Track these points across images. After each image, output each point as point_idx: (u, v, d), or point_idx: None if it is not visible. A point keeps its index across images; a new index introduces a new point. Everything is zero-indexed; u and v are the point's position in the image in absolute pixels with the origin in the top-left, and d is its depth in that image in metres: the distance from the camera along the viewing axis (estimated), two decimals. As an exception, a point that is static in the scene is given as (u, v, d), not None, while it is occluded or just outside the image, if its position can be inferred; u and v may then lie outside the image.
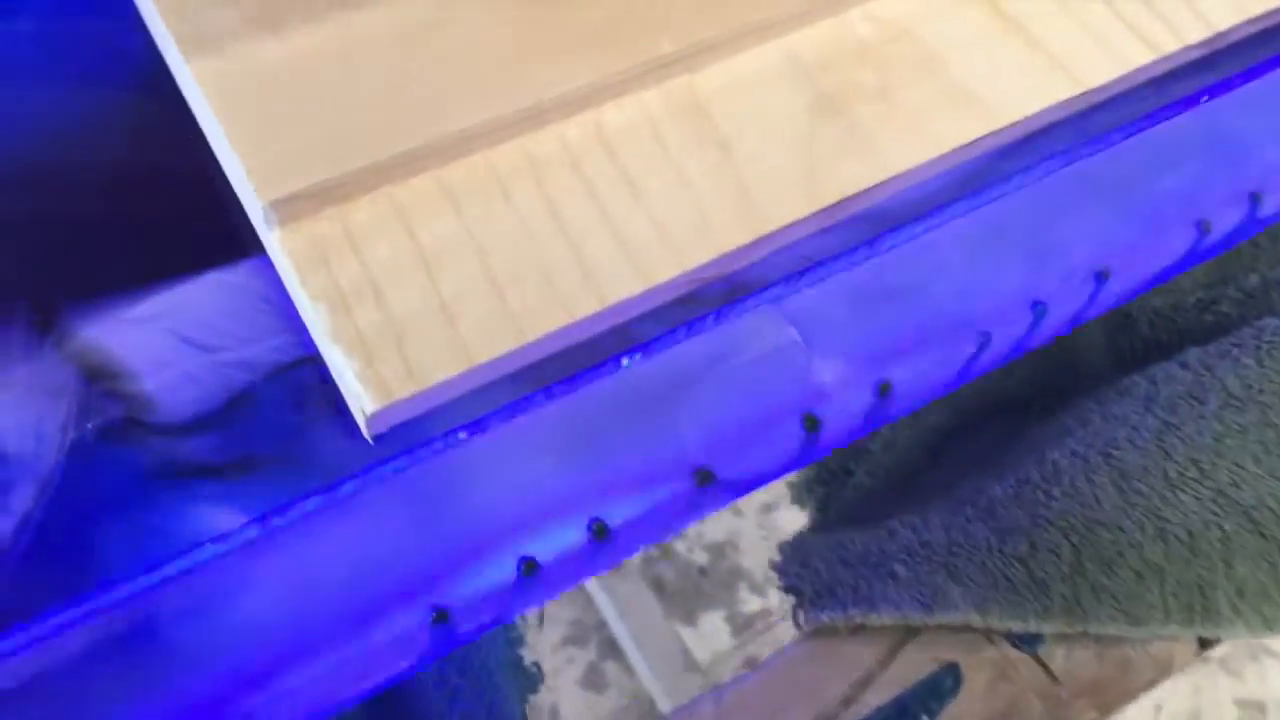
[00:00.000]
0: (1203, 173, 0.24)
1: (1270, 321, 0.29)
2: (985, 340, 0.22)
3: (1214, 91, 0.28)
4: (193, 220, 0.22)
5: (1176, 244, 0.24)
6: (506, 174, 0.24)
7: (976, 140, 0.27)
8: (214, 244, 0.21)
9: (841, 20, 0.27)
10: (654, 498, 0.21)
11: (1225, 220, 0.24)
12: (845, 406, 0.21)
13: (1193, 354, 0.30)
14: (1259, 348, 0.28)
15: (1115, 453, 0.27)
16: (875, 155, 0.26)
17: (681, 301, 0.24)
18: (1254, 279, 0.32)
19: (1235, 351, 0.29)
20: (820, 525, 0.35)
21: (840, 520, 0.33)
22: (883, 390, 0.21)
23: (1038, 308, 0.23)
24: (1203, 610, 0.26)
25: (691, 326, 0.23)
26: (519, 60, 0.25)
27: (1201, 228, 0.24)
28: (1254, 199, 0.24)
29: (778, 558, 0.33)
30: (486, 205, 0.23)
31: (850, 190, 0.25)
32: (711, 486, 0.21)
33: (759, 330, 0.22)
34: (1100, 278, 0.23)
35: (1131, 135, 0.27)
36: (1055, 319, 0.24)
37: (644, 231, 0.24)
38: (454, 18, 0.25)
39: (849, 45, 0.27)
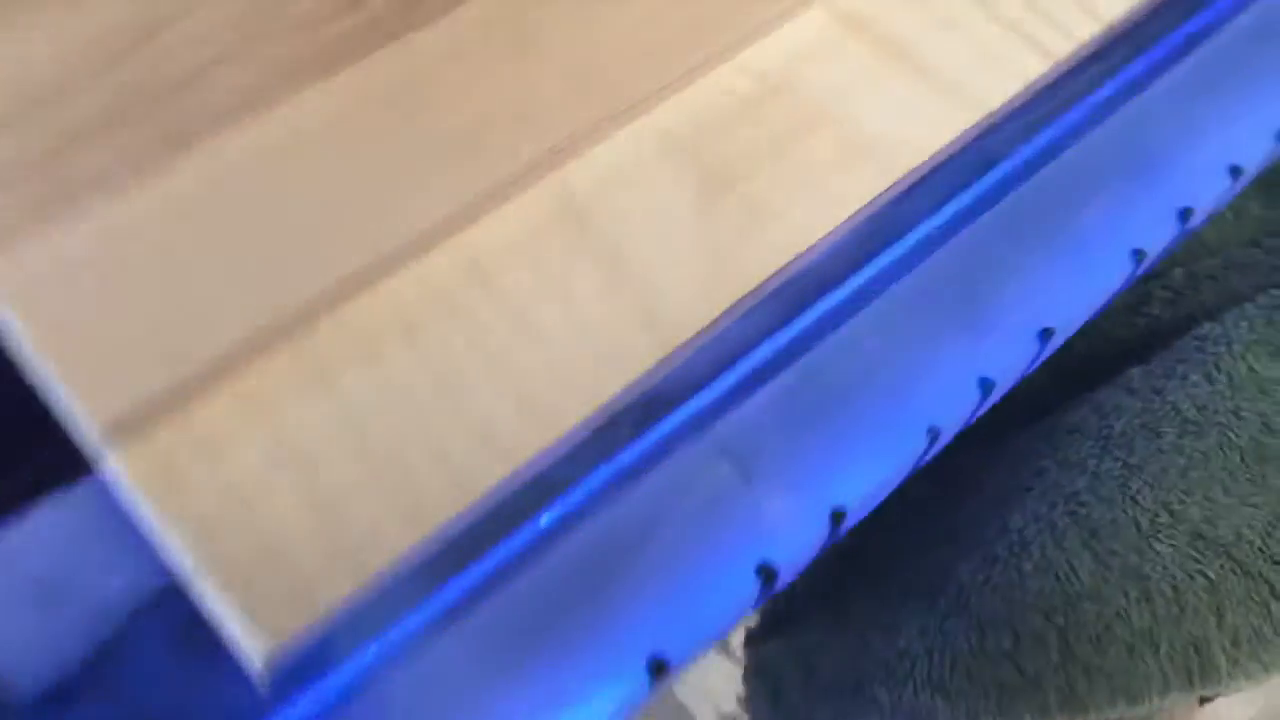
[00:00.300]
0: (1129, 195, 0.31)
1: (1209, 328, 0.36)
2: (935, 434, 0.27)
3: (1112, 87, 0.35)
4: (10, 449, 0.23)
5: (1114, 279, 0.30)
6: (373, 334, 0.27)
7: (888, 189, 0.33)
8: (42, 473, 0.23)
9: (712, 80, 0.32)
10: (602, 706, 0.25)
11: (1158, 243, 0.31)
12: (799, 543, 0.26)
13: (1136, 375, 0.36)
14: (1205, 362, 0.36)
15: (1080, 510, 0.33)
16: (782, 228, 0.31)
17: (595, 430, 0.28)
18: (1178, 273, 0.40)
19: (1181, 369, 0.36)
20: (772, 623, 0.40)
21: (797, 614, 0.38)
22: (836, 518, 0.26)
23: (985, 384, 0.28)
24: (1201, 670, 0.33)
25: (613, 475, 0.27)
26: (370, 196, 0.28)
27: (1136, 257, 0.30)
28: (1183, 215, 0.31)
29: (740, 687, 0.37)
30: (357, 377, 0.26)
31: (762, 275, 0.30)
32: (665, 675, 0.25)
33: (692, 474, 0.27)
34: (1044, 336, 0.29)
35: (1032, 151, 0.33)
36: (1002, 387, 0.29)
37: (541, 373, 0.27)
38: (284, 162, 0.28)
39: (726, 107, 0.32)
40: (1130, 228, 0.30)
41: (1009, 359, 0.28)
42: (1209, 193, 0.31)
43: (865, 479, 0.27)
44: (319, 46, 0.28)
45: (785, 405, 0.27)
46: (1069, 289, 0.29)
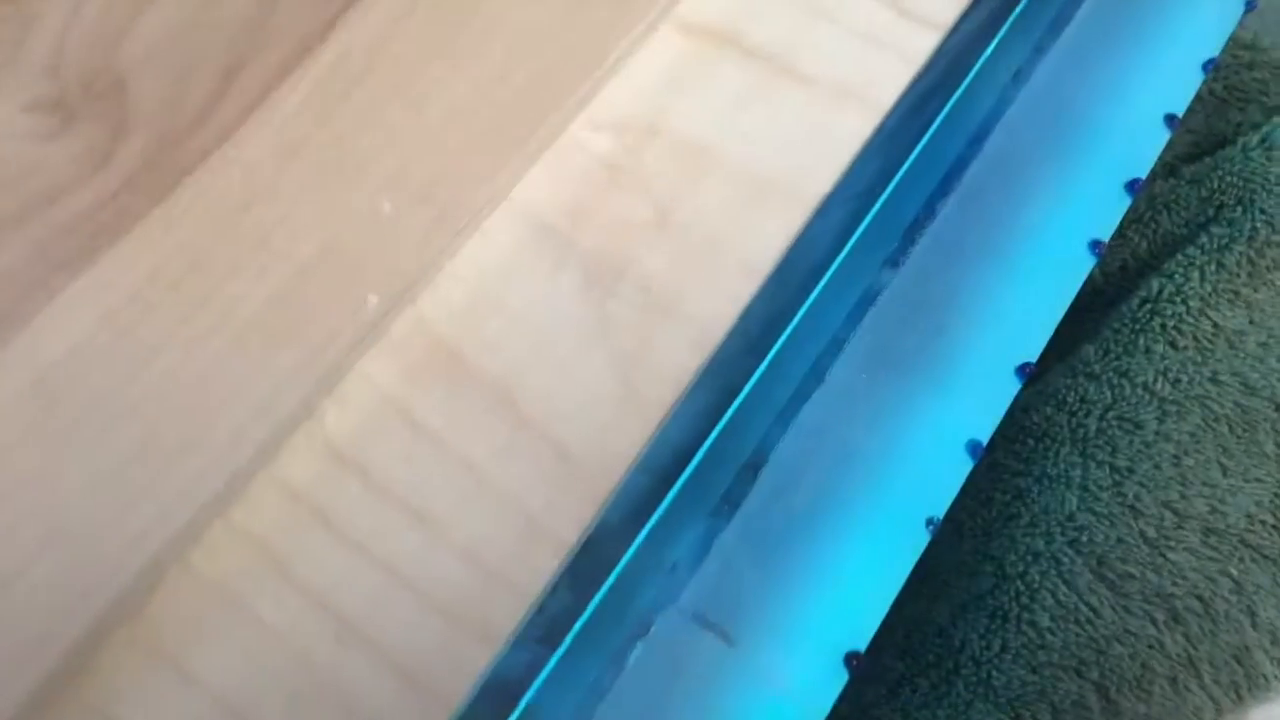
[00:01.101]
0: (1072, 181, 0.27)
1: (1157, 285, 0.33)
2: (933, 522, 0.23)
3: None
4: None
5: (1077, 279, 0.26)
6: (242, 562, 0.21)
7: (801, 232, 0.28)
8: None
9: (567, 144, 0.27)
10: None
11: (1111, 224, 0.27)
12: (816, 690, 0.22)
13: (1093, 356, 0.33)
14: (1164, 327, 0.32)
15: (1081, 535, 0.30)
16: (690, 317, 0.26)
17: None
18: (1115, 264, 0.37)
19: (1142, 340, 0.32)
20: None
21: None
22: (851, 661, 0.22)
23: (974, 447, 0.24)
24: (1248, 682, 0.30)
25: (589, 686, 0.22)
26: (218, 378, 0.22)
27: (1095, 250, 0.26)
28: (1131, 187, 0.28)
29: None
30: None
31: (680, 385, 0.25)
32: None
33: (676, 655, 0.22)
34: (1023, 372, 0.25)
35: (952, 151, 0.29)
36: (987, 438, 0.25)
37: (455, 576, 0.22)
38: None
39: (591, 172, 0.27)
40: (1082, 217, 0.27)
41: (991, 408, 0.24)
42: (1151, 151, 0.28)
43: (867, 605, 0.22)
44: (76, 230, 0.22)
45: (754, 542, 0.23)
46: (1035, 306, 0.26)
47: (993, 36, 0.30)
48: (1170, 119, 0.28)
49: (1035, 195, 0.27)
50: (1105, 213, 0.27)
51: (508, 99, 0.25)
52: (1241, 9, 0.30)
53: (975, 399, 0.24)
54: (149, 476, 0.20)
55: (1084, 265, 0.26)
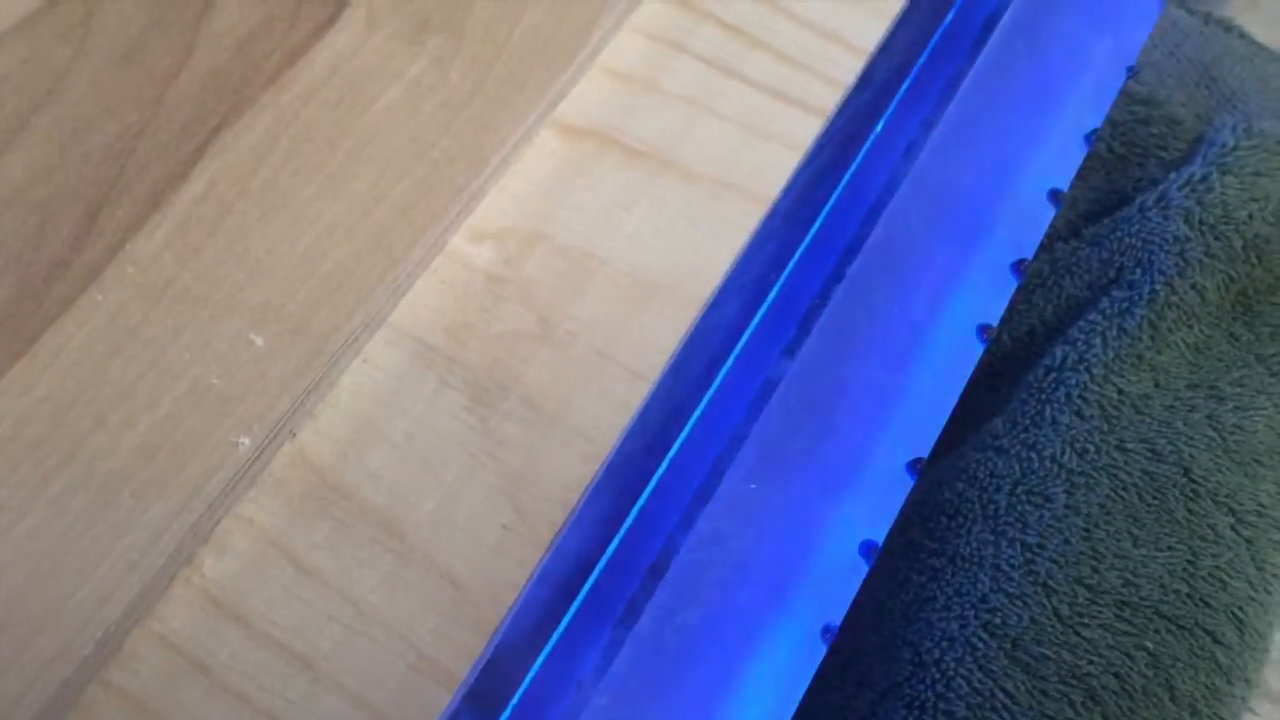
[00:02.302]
0: (959, 263, 0.27)
1: (1061, 354, 0.33)
2: (830, 630, 0.23)
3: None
4: None
5: (967, 367, 0.27)
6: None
7: (691, 331, 0.28)
8: None
9: (446, 258, 0.27)
10: None
11: (998, 308, 0.27)
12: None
13: (1002, 429, 0.33)
14: (1070, 396, 0.33)
15: (995, 618, 0.30)
16: (578, 430, 0.26)
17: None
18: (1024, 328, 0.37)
19: (1048, 411, 0.33)
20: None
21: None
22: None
23: (868, 549, 0.24)
24: None
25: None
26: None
27: (983, 334, 0.27)
28: (1017, 268, 0.28)
29: None
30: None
31: (569, 505, 0.25)
32: None
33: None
34: (914, 468, 0.25)
35: (841, 236, 0.29)
36: (880, 538, 0.26)
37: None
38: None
39: (472, 286, 0.27)
40: (969, 302, 0.27)
41: (884, 508, 0.24)
42: (1036, 230, 0.28)
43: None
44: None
45: (653, 655, 0.23)
46: (926, 398, 0.26)
47: (878, 118, 0.30)
48: (1055, 195, 0.28)
49: (921, 281, 0.27)
50: (992, 297, 0.27)
51: (383, 218, 0.25)
52: (1123, 76, 0.31)
53: (868, 499, 0.24)
54: (13, 646, 0.20)
55: (973, 353, 0.26)
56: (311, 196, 0.25)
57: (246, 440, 0.23)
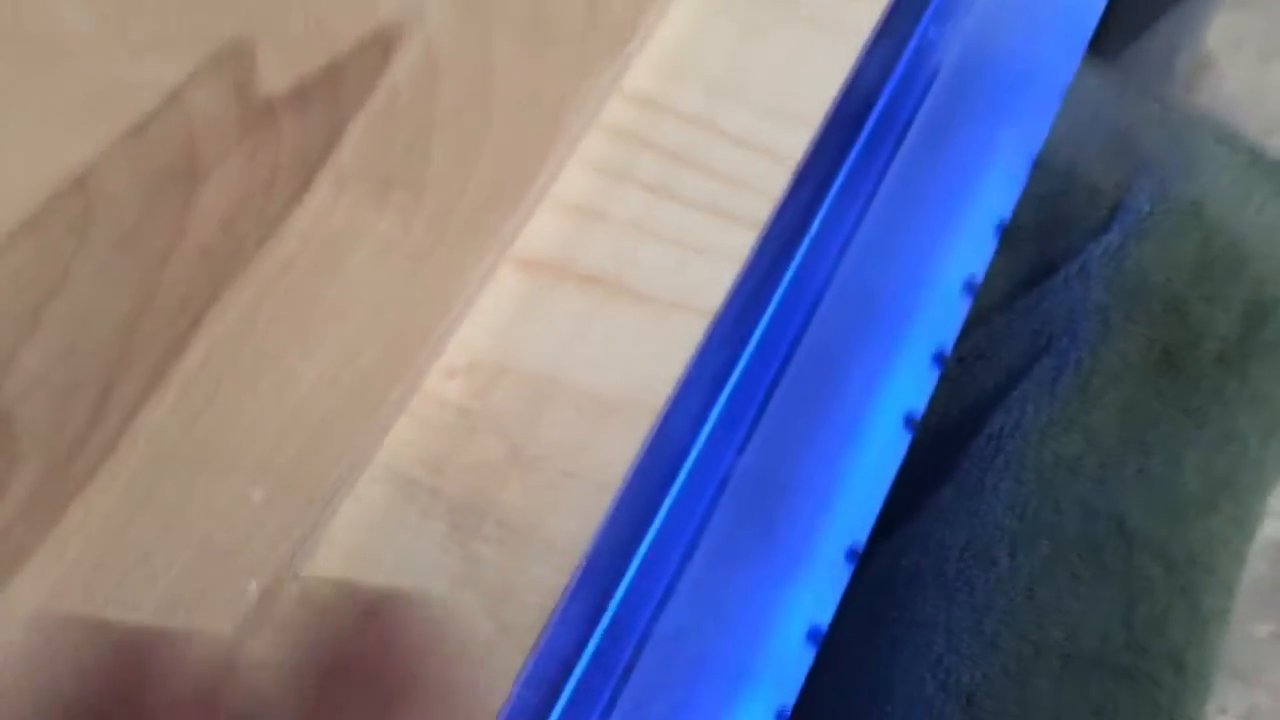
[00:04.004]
0: (884, 355, 0.30)
1: (999, 422, 0.36)
2: (782, 713, 0.26)
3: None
4: None
5: (896, 453, 0.29)
6: None
7: (645, 442, 0.31)
8: None
9: (425, 398, 0.30)
10: None
11: (923, 394, 0.30)
12: None
13: (948, 499, 0.36)
14: (1008, 463, 0.35)
15: (949, 676, 0.32)
16: (547, 547, 0.29)
17: None
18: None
19: (989, 480, 0.35)
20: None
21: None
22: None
23: (814, 634, 0.27)
24: None
25: None
26: None
27: (909, 424, 0.30)
28: (938, 359, 0.31)
29: None
30: None
31: (546, 612, 0.28)
32: None
33: None
34: (852, 556, 0.28)
35: (779, 340, 0.32)
36: (825, 624, 0.28)
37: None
38: None
39: (447, 421, 0.30)
40: (894, 393, 0.30)
41: (827, 595, 0.27)
42: (954, 319, 0.31)
43: None
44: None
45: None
46: (859, 488, 0.29)
47: (808, 226, 0.33)
48: (969, 285, 0.31)
49: (851, 378, 0.30)
50: (916, 388, 0.30)
51: (362, 368, 0.28)
52: (1028, 165, 0.34)
53: (811, 587, 0.27)
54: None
55: (901, 443, 0.29)
56: (295, 357, 0.28)
57: (254, 584, 0.26)
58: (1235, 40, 1.53)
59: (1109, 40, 0.94)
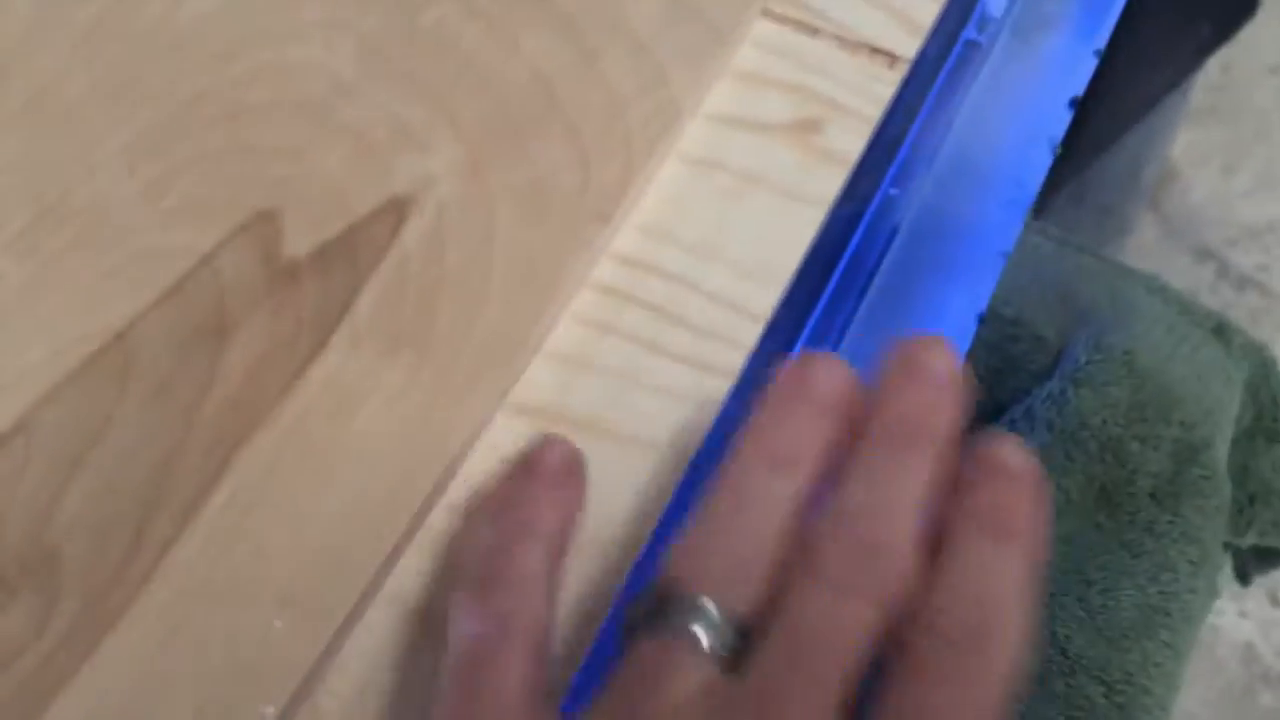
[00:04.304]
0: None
1: None
2: None
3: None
4: None
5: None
6: None
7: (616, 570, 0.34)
8: None
9: (429, 532, 0.33)
10: None
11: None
12: None
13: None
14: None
15: None
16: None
17: None
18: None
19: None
20: None
21: None
22: None
23: None
24: None
25: None
26: None
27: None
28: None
29: None
30: None
31: None
32: None
33: None
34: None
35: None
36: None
37: None
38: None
39: (447, 552, 0.33)
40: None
41: None
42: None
43: None
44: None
45: None
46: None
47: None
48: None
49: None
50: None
51: (373, 507, 0.31)
52: (975, 323, 0.37)
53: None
54: None
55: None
56: (313, 495, 0.31)
57: (272, 709, 0.28)
58: (1200, 153, 1.60)
59: (1077, 153, 1.00)
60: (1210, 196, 1.59)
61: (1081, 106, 0.94)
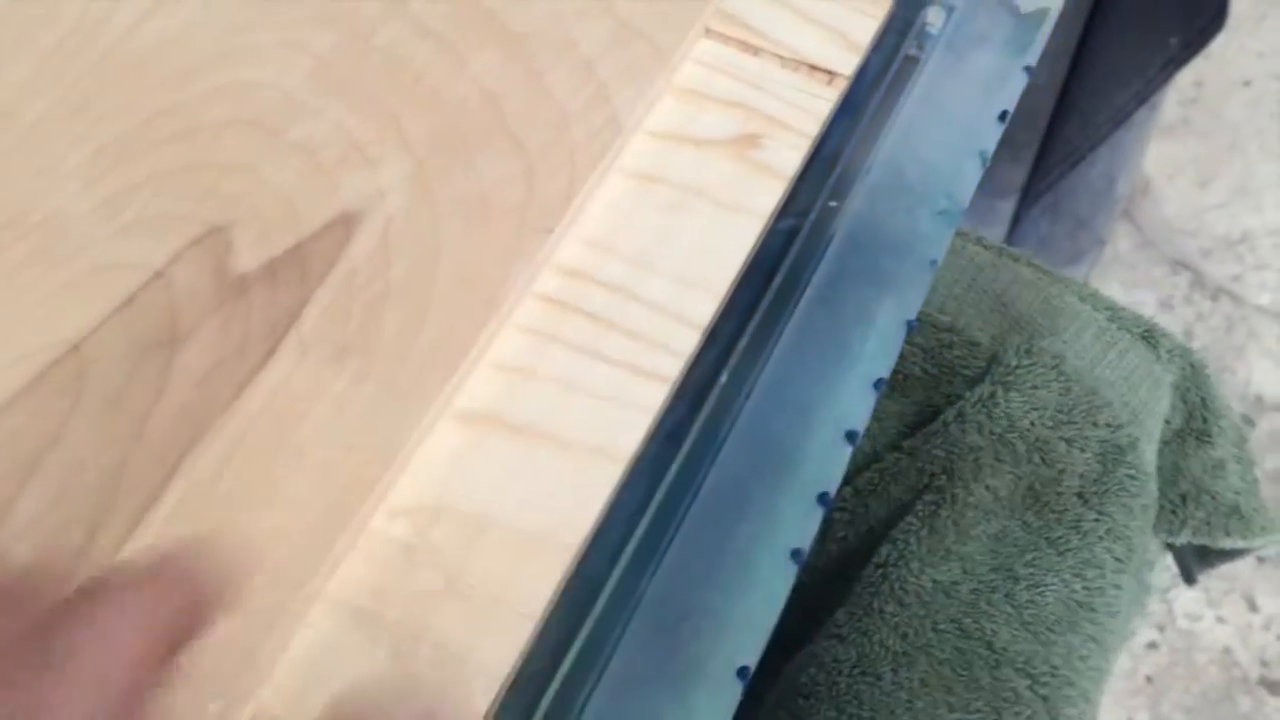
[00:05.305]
0: (770, 495, 0.34)
1: (885, 551, 0.40)
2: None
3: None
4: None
5: (782, 585, 0.33)
6: None
7: (567, 571, 0.35)
8: None
9: (372, 536, 0.34)
10: None
11: (808, 534, 0.34)
12: None
13: (842, 619, 0.40)
14: (892, 589, 0.39)
15: None
16: (478, 666, 0.32)
17: None
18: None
19: (876, 603, 0.39)
20: None
21: None
22: None
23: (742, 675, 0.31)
24: None
25: None
26: None
27: (796, 557, 0.34)
28: (821, 499, 0.35)
29: None
30: None
31: None
32: None
33: None
34: (742, 674, 0.32)
35: (681, 480, 0.36)
36: None
37: None
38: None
39: (392, 557, 0.33)
40: (781, 531, 0.34)
41: (719, 709, 0.31)
42: (837, 466, 0.35)
43: None
44: None
45: None
46: (751, 615, 0.32)
47: (713, 384, 0.37)
48: (851, 435, 0.35)
49: (745, 516, 0.34)
50: (802, 524, 0.34)
51: (318, 512, 0.32)
52: (904, 330, 0.38)
53: (705, 705, 0.31)
54: None
55: (788, 573, 0.33)
56: (260, 502, 0.32)
57: (215, 706, 0.29)
58: (1174, 166, 1.61)
59: (1051, 167, 1.01)
60: (1184, 208, 1.61)
61: (1054, 121, 0.96)
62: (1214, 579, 1.34)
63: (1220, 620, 1.32)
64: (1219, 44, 0.96)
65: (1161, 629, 1.32)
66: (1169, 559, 0.55)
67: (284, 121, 0.39)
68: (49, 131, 0.38)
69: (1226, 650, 1.31)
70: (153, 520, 0.31)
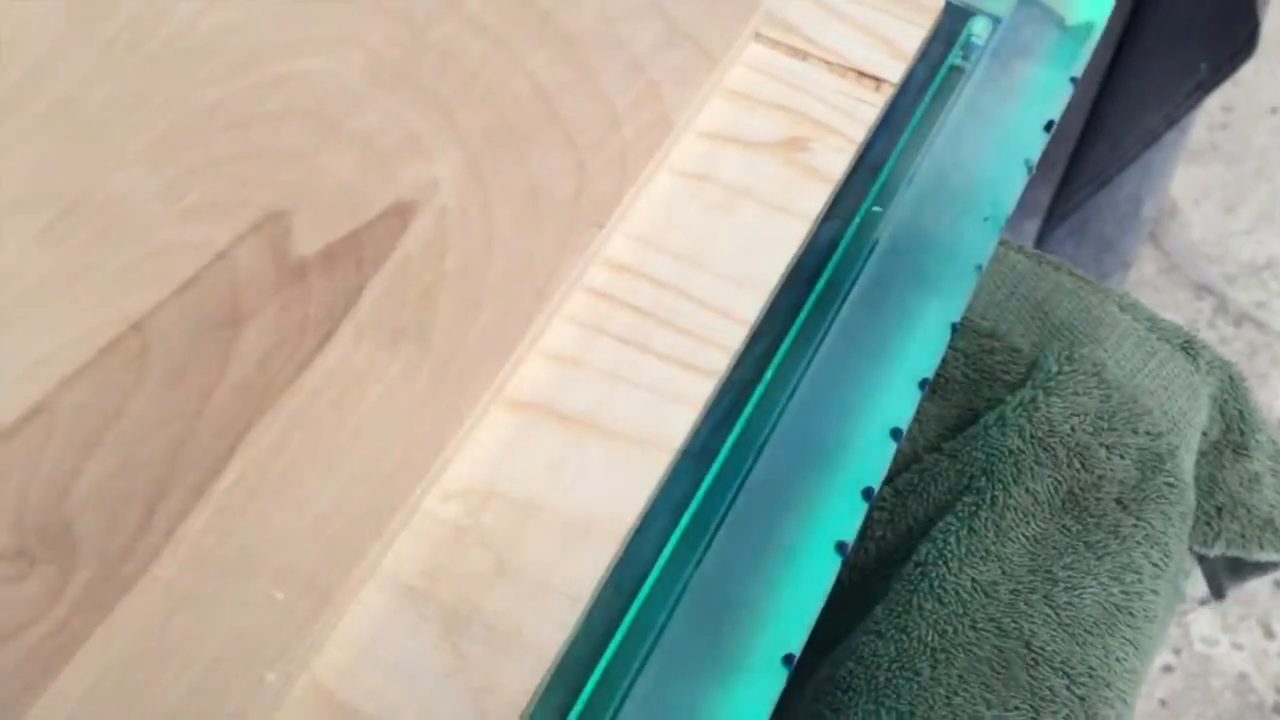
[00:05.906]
0: (817, 489, 0.35)
1: (925, 550, 0.40)
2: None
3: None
4: None
5: (827, 577, 0.33)
6: None
7: (613, 559, 0.35)
8: None
9: (421, 515, 0.34)
10: None
11: (852, 527, 0.35)
12: None
13: (880, 615, 0.40)
14: (932, 586, 0.40)
15: None
16: (527, 648, 0.33)
17: None
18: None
19: (915, 600, 0.40)
20: None
21: None
22: None
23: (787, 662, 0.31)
24: None
25: None
26: None
27: (840, 550, 0.34)
28: (866, 494, 0.35)
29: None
30: None
31: (520, 707, 0.32)
32: None
33: None
34: (788, 661, 0.32)
35: (726, 476, 0.36)
36: None
37: None
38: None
39: (444, 537, 0.34)
40: (827, 524, 0.34)
41: (764, 699, 0.31)
42: (881, 462, 0.35)
43: None
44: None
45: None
46: (795, 604, 0.33)
47: (760, 379, 0.38)
48: (895, 432, 0.36)
49: (790, 506, 0.34)
50: (847, 517, 0.34)
51: (372, 491, 0.33)
52: (948, 332, 0.38)
53: (751, 690, 0.31)
54: None
55: (832, 564, 0.33)
56: (316, 478, 0.32)
57: (272, 675, 0.29)
58: (1201, 190, 1.61)
59: (1078, 188, 1.01)
60: (1210, 233, 1.61)
61: (1082, 142, 0.96)
62: (1230, 604, 1.33)
63: (1236, 646, 1.32)
64: (1248, 70, 0.96)
65: (1177, 652, 1.31)
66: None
67: (341, 112, 0.40)
68: (110, 119, 0.39)
69: (1242, 676, 1.30)
70: (212, 494, 0.32)
